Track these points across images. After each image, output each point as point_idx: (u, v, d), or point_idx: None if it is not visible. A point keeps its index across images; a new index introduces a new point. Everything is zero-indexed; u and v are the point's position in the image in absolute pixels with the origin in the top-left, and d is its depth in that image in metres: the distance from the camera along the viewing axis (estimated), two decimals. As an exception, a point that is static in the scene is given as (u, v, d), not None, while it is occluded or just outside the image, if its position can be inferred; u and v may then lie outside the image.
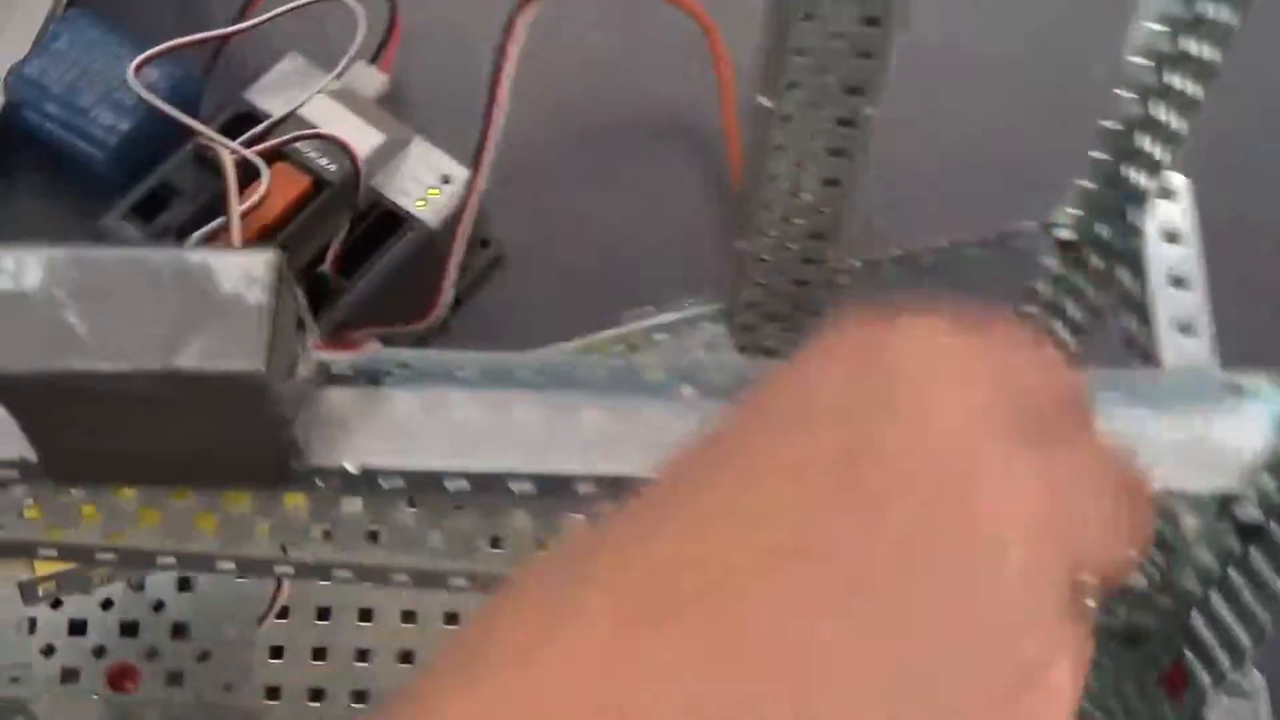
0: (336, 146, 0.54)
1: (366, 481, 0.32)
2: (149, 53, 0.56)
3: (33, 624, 0.45)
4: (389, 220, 0.55)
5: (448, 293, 0.45)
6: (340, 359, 0.32)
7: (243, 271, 0.29)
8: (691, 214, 0.60)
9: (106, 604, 0.46)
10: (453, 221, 0.56)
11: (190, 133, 0.55)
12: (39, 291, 0.29)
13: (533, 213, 0.59)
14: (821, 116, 0.39)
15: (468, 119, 0.60)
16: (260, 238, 0.53)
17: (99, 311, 0.29)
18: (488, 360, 0.33)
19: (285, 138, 0.54)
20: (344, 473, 0.32)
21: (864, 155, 0.41)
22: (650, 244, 0.59)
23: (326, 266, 0.54)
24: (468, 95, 0.61)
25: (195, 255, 0.30)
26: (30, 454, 0.32)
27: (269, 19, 0.57)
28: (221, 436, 0.31)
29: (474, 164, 0.45)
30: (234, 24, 0.58)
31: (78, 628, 0.46)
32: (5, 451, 0.33)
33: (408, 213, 0.55)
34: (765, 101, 0.39)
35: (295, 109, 0.56)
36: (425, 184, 0.56)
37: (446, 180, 0.56)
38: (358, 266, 0.55)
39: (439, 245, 0.56)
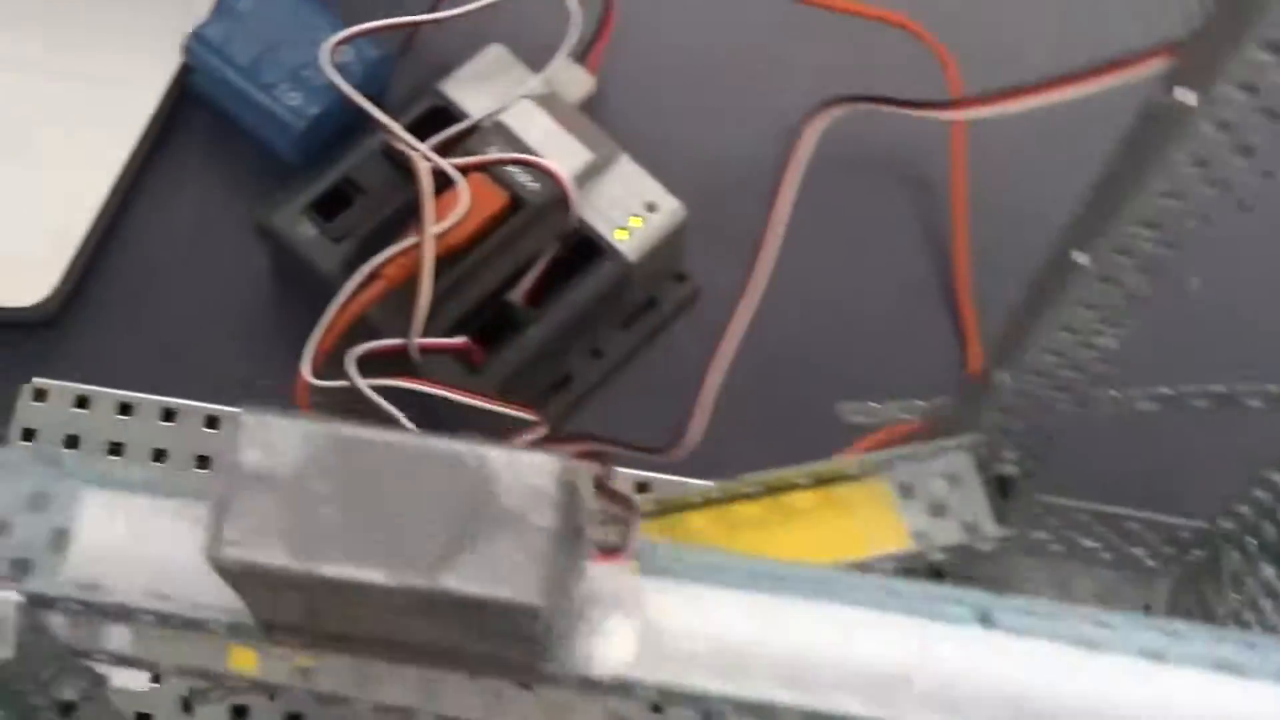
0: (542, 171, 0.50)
1: (617, 691, 0.28)
2: (347, 33, 0.51)
3: (187, 703, 0.42)
4: (585, 249, 0.51)
5: (701, 422, 0.41)
6: (608, 568, 0.28)
7: (528, 484, 0.25)
8: (904, 270, 0.55)
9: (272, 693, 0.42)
10: (654, 257, 0.51)
11: (378, 123, 0.51)
12: (293, 475, 0.26)
13: (730, 246, 0.55)
14: (1142, 282, 0.34)
15: (673, 132, 0.56)
16: (447, 258, 0.48)
17: (360, 508, 0.25)
18: (759, 564, 0.29)
19: (493, 158, 0.49)
20: (593, 680, 0.28)
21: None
22: (854, 298, 0.55)
23: (517, 296, 0.50)
24: (674, 106, 0.57)
25: (473, 451, 0.26)
26: (245, 613, 0.28)
27: (480, 7, 0.52)
28: (468, 640, 0.27)
29: (741, 294, 0.40)
30: (436, 7, 0.53)
31: (240, 712, 0.42)
32: (210, 600, 0.29)
33: (607, 243, 0.51)
34: (1082, 259, 0.34)
35: (496, 114, 0.51)
36: (628, 210, 0.51)
37: (651, 209, 0.52)
38: (546, 296, 0.50)
39: (635, 280, 0.51)
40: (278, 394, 0.49)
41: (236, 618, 0.28)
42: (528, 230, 0.50)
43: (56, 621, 0.31)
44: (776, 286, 0.54)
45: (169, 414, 0.49)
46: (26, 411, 0.49)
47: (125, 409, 0.49)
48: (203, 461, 0.49)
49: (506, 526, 0.25)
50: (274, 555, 0.25)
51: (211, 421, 0.49)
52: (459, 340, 0.48)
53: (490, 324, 0.50)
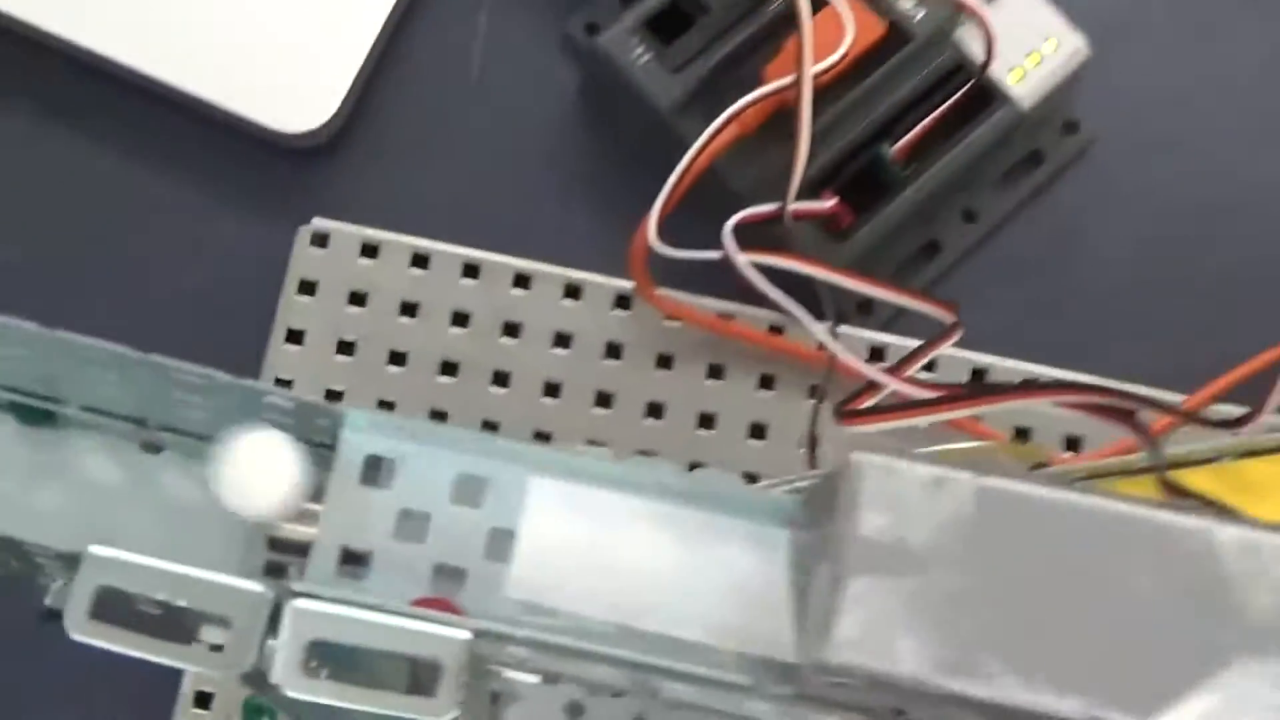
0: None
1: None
2: None
3: (578, 706, 0.34)
4: (971, 91, 0.42)
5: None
6: None
7: (1289, 587, 0.17)
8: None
9: None
10: (1047, 103, 0.42)
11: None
12: (928, 548, 0.18)
13: (1124, 91, 0.45)
14: None
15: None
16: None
17: (1025, 602, 0.18)
18: None
19: None
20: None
21: None
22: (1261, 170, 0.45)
23: (892, 151, 0.41)
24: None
25: (1195, 528, 0.18)
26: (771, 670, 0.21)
27: None
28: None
29: None
30: None
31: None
32: (709, 641, 0.22)
33: (999, 86, 0.42)
34: None
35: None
36: (1024, 47, 0.42)
37: (1050, 45, 0.42)
38: (921, 148, 0.42)
39: (1023, 131, 0.43)
40: (598, 253, 0.41)
41: (755, 676, 0.21)
42: (906, 69, 0.41)
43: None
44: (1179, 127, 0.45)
45: (471, 269, 0.42)
46: (304, 259, 0.42)
47: (420, 261, 0.42)
48: (510, 330, 0.41)
49: (1261, 649, 0.17)
50: (908, 665, 0.18)
51: (521, 280, 0.42)
52: (830, 204, 0.40)
53: (854, 181, 0.41)
